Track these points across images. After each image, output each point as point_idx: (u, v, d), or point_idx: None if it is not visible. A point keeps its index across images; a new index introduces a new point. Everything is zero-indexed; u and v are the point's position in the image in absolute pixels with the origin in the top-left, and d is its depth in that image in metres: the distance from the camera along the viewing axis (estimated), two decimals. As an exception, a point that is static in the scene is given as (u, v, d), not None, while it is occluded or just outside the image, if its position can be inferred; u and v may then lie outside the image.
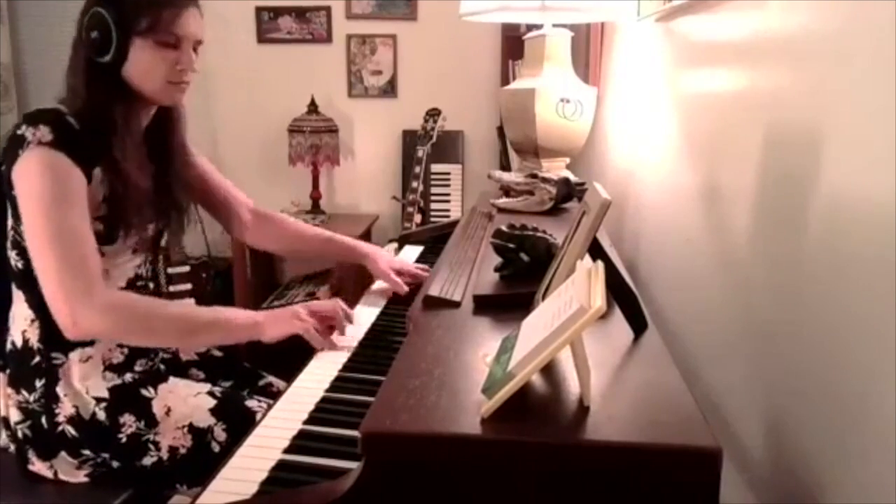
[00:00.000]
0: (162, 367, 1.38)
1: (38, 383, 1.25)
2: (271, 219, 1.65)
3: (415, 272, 1.61)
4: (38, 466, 1.25)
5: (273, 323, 1.27)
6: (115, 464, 1.24)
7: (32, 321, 1.26)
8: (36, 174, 1.16)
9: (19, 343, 1.27)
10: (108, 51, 1.22)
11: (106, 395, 1.25)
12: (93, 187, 1.22)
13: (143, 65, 1.24)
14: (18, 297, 1.27)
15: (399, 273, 1.59)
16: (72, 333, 1.17)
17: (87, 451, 1.23)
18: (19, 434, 1.26)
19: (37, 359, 1.25)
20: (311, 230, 1.70)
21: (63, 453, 1.24)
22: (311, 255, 1.80)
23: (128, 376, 1.29)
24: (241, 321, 1.28)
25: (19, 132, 1.17)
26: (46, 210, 1.16)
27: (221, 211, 1.58)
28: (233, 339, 1.31)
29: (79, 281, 1.15)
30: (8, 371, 1.29)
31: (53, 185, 1.16)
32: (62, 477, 1.24)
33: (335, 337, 1.31)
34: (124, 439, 1.23)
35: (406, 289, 1.55)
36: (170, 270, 3.10)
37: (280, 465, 0.93)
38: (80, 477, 1.24)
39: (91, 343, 1.26)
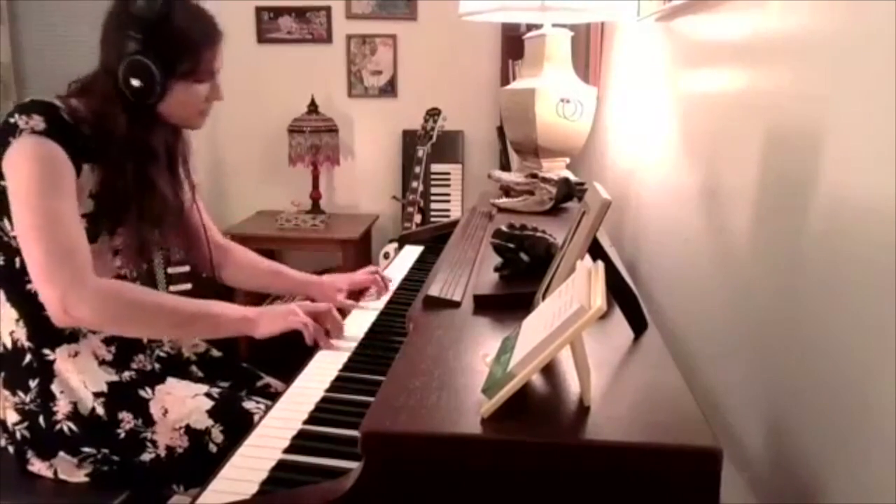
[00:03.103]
0: (157, 365, 1.37)
1: (33, 383, 1.25)
2: (228, 249, 1.61)
3: (370, 279, 1.61)
4: (37, 466, 1.25)
5: (266, 320, 1.28)
6: (115, 458, 1.23)
7: (17, 320, 1.26)
8: (26, 161, 1.16)
9: (9, 344, 1.27)
10: (151, 97, 1.24)
11: (104, 388, 1.25)
12: (81, 181, 1.21)
13: (180, 101, 1.28)
14: (1, 296, 1.27)
15: (355, 288, 1.58)
16: (61, 320, 1.17)
17: (86, 449, 1.23)
18: (17, 435, 1.26)
19: (28, 358, 1.25)
20: (264, 262, 1.65)
21: (62, 452, 1.23)
22: (261, 289, 1.70)
23: (126, 374, 1.29)
24: (231, 315, 1.29)
25: (11, 120, 1.17)
26: (34, 197, 1.16)
27: (191, 242, 1.53)
28: (222, 332, 1.31)
29: (66, 268, 1.15)
30: (2, 374, 1.29)
31: (43, 172, 1.16)
32: (62, 476, 1.24)
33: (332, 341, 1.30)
34: (122, 435, 1.23)
35: (355, 304, 1.53)
36: (170, 270, 3.10)
37: (280, 465, 0.93)
38: (80, 476, 1.24)
39: (76, 339, 1.26)
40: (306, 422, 1.04)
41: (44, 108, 1.19)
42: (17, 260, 1.22)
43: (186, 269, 3.14)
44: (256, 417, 1.18)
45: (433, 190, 3.47)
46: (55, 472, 1.24)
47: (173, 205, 1.36)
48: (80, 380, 1.25)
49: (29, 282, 1.22)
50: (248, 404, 1.29)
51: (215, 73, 1.32)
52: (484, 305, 1.10)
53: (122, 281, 1.33)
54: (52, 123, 1.18)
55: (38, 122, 1.17)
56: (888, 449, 0.68)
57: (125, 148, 1.25)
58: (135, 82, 1.22)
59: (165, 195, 1.33)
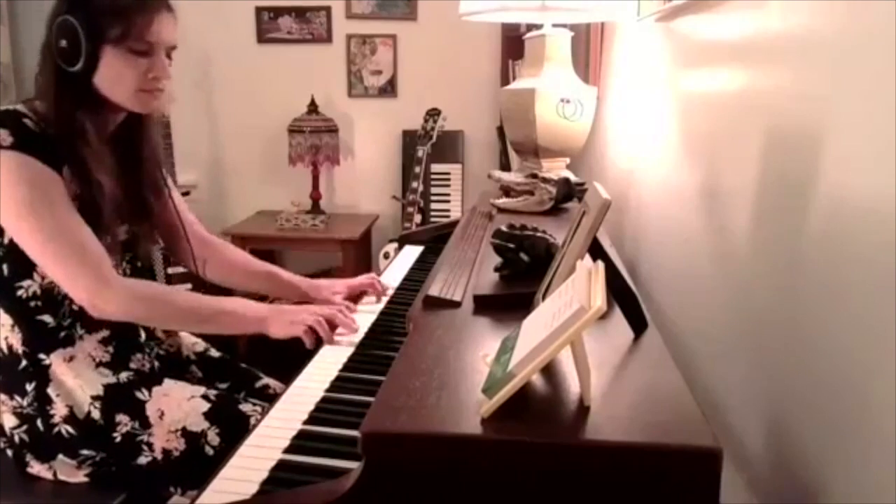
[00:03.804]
0: (157, 363, 1.38)
1: (29, 387, 1.24)
2: (215, 246, 1.57)
3: (368, 284, 1.57)
4: (37, 469, 1.25)
5: (276, 322, 1.29)
6: (112, 462, 1.23)
7: (12, 326, 1.26)
8: (5, 181, 1.15)
9: (5, 349, 1.27)
10: (78, 60, 1.19)
11: (101, 392, 1.25)
12: (65, 185, 1.20)
13: (113, 73, 1.21)
14: None
15: (353, 292, 1.55)
16: (97, 316, 1.22)
17: (85, 451, 1.23)
18: (16, 439, 1.25)
19: (24, 363, 1.25)
20: (257, 264, 1.60)
21: (61, 455, 1.23)
22: (255, 291, 1.65)
23: (123, 375, 1.29)
24: (247, 314, 1.31)
25: None
26: (28, 215, 1.16)
27: (171, 238, 1.49)
28: (239, 330, 1.35)
29: (87, 268, 1.18)
30: None
31: (25, 187, 1.15)
32: (62, 477, 1.24)
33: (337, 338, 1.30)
34: (119, 438, 1.23)
35: (354, 307, 1.48)
36: (170, 270, 3.10)
37: (280, 465, 0.93)
38: (80, 477, 1.24)
39: (72, 343, 1.27)
40: (306, 422, 1.04)
41: (7, 120, 1.17)
42: (5, 267, 1.22)
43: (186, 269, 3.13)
44: (253, 420, 1.18)
45: (433, 190, 3.47)
46: (55, 474, 1.24)
47: (111, 194, 1.26)
48: (75, 384, 1.25)
49: (20, 288, 1.23)
50: (245, 407, 1.28)
51: (155, 45, 1.23)
52: (484, 305, 1.10)
53: (140, 280, 1.33)
54: (18, 135, 1.16)
55: (4, 136, 1.15)
56: (888, 449, 0.68)
57: (56, 124, 1.20)
58: (61, 43, 1.18)
59: (98, 179, 1.23)
